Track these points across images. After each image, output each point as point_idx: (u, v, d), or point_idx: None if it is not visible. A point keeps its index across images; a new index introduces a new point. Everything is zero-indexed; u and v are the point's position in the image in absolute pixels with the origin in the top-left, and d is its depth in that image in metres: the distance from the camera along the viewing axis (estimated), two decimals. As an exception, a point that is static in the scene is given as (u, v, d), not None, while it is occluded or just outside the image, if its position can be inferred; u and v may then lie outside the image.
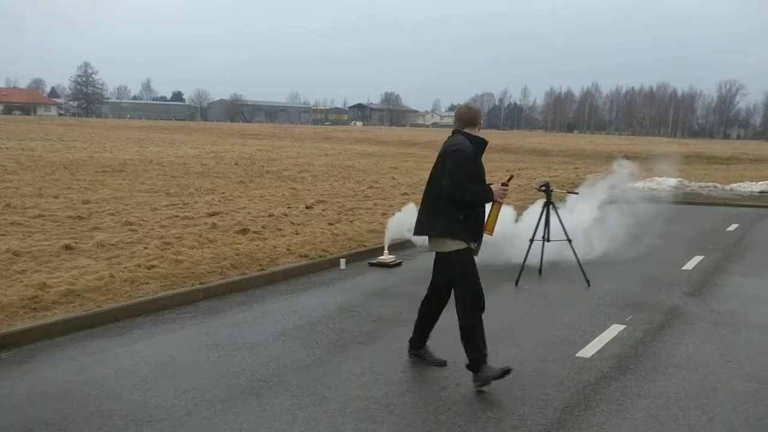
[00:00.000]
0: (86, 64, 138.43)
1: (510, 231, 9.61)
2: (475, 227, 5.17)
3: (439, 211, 5.15)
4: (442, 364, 5.57)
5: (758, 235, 13.68)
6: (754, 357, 6.01)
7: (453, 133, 5.33)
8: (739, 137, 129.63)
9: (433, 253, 5.39)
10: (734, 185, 23.57)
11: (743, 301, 8.01)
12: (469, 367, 5.15)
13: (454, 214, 5.08)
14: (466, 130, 5.28)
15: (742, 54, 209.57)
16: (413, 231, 5.48)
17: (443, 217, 5.12)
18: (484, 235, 5.30)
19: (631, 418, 4.63)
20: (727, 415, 4.75)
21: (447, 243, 5.15)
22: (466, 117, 5.32)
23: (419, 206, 5.49)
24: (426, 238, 5.41)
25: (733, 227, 14.62)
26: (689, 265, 9.97)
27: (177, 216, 12.30)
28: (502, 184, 5.29)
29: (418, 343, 5.71)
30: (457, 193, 5.05)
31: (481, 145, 5.26)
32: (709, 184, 24.13)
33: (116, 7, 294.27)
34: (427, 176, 5.39)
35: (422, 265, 9.73)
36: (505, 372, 5.04)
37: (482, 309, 5.15)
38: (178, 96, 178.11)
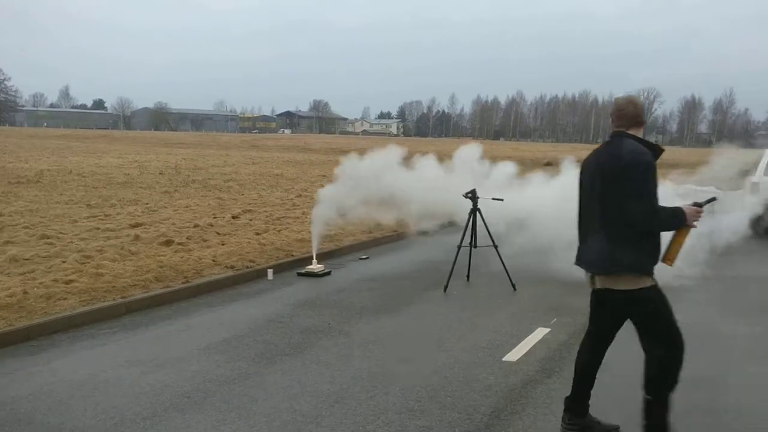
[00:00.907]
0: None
1: None
2: (657, 253, 4.13)
3: (620, 240, 4.02)
4: (616, 429, 4.58)
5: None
6: (672, 356, 6.20)
7: (614, 136, 4.19)
8: (657, 143, 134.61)
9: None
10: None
11: (661, 301, 8.27)
12: (650, 422, 4.29)
13: (641, 243, 4.04)
14: (631, 132, 4.15)
15: (657, 63, 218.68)
16: (582, 265, 4.33)
17: (628, 248, 4.02)
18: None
19: (556, 421, 4.70)
20: (648, 414, 4.87)
21: (633, 279, 4.07)
22: (631, 114, 4.16)
23: (580, 233, 4.38)
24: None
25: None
26: (611, 268, 10.24)
27: (98, 228, 11.89)
28: (695, 204, 4.13)
29: (580, 409, 4.51)
30: (653, 222, 3.99)
31: (656, 153, 4.11)
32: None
33: (30, 11, 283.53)
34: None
35: (351, 274, 9.71)
36: None
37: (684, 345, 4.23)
38: (99, 104, 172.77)
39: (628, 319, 4.35)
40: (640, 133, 4.17)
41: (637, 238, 4.00)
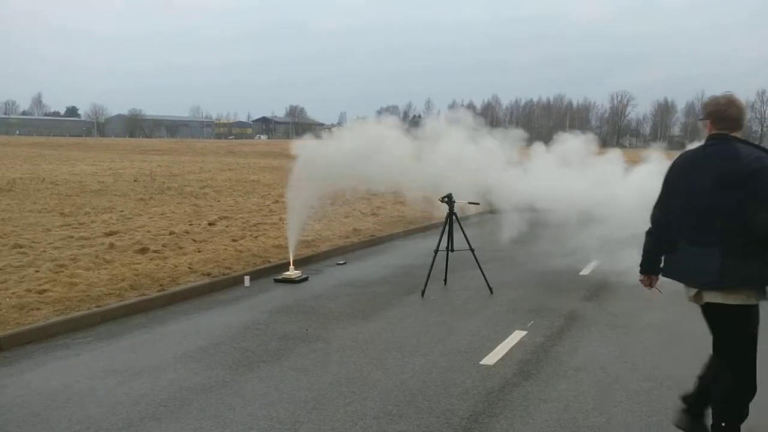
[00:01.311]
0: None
1: None
2: None
3: (740, 252, 3.66)
4: None
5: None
6: (647, 357, 6.28)
7: (719, 139, 3.82)
8: (631, 146, 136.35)
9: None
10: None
11: (636, 302, 8.35)
12: None
13: (764, 255, 3.67)
14: (735, 135, 3.80)
15: (630, 66, 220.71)
16: (684, 278, 3.96)
17: (751, 261, 3.66)
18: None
19: (533, 423, 4.74)
20: (624, 414, 4.93)
21: (748, 294, 3.74)
22: (735, 116, 3.81)
23: (670, 241, 4.01)
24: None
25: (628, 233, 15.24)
26: (586, 270, 10.34)
27: (72, 236, 11.75)
28: None
29: (697, 410, 4.22)
30: None
31: None
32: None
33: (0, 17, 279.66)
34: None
35: (329, 279, 9.70)
36: None
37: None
38: (72, 111, 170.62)
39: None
40: (738, 136, 3.84)
41: (759, 249, 3.65)
